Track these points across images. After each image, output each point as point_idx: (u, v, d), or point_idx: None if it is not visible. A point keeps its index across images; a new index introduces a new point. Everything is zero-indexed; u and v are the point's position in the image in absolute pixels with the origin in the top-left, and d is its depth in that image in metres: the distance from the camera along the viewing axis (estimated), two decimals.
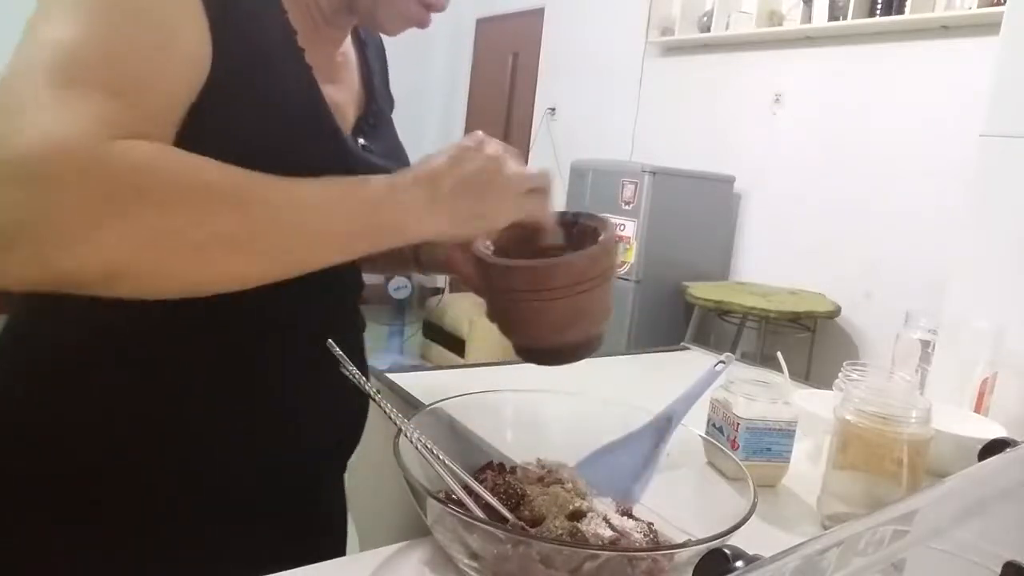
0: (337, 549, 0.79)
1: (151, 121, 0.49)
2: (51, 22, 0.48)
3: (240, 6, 0.56)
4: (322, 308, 0.69)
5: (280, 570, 0.53)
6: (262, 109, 0.57)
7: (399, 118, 0.87)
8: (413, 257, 0.80)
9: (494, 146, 0.58)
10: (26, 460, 0.60)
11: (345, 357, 0.58)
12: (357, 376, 0.58)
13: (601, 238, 0.65)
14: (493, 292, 0.66)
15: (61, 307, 0.52)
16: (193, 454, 0.62)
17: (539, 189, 0.61)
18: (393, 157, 0.75)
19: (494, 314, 0.67)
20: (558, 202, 3.79)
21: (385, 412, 0.57)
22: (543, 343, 0.66)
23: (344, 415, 0.74)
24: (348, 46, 0.76)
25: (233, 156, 0.49)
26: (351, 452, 0.78)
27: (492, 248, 0.67)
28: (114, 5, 0.49)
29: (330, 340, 0.58)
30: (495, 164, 0.57)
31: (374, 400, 0.58)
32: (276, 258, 0.50)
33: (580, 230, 0.69)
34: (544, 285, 0.61)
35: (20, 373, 0.62)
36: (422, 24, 0.68)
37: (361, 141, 0.71)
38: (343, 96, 0.72)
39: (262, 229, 0.48)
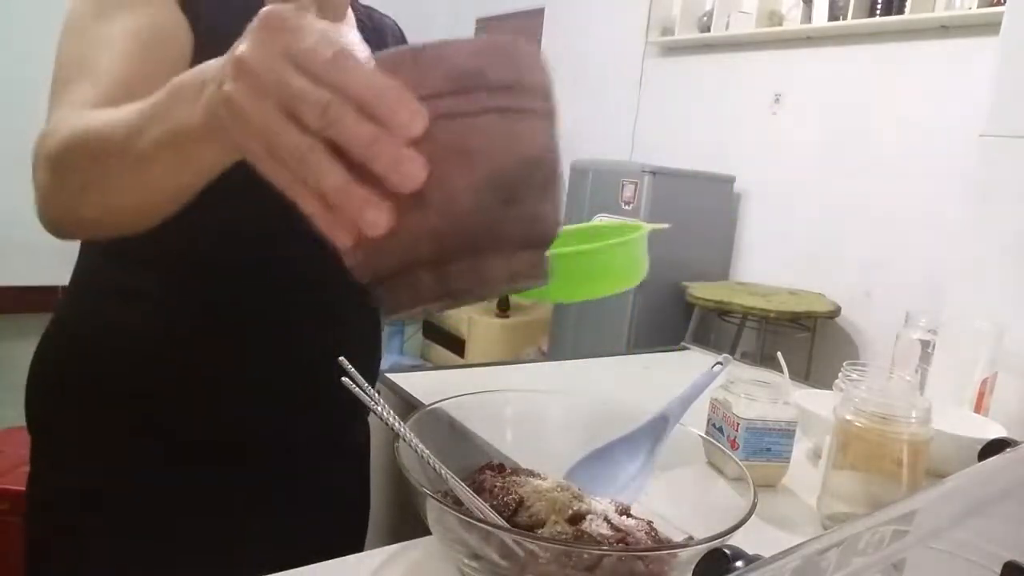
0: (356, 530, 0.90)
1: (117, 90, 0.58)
2: (62, 45, 0.64)
3: (231, 32, 0.59)
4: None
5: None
6: None
7: None
8: None
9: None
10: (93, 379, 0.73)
11: (355, 371, 0.59)
12: (361, 388, 0.58)
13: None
14: None
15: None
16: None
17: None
18: None
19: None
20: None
21: (387, 423, 0.57)
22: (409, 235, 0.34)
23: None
24: (354, 38, 0.79)
25: None
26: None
27: None
28: (113, 31, 0.62)
29: (341, 357, 0.59)
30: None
31: (375, 412, 0.58)
32: (137, 189, 0.49)
33: None
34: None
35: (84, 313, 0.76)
36: None
37: None
38: None
39: (111, 171, 0.49)
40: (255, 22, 0.35)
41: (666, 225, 0.71)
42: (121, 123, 0.47)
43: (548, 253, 0.40)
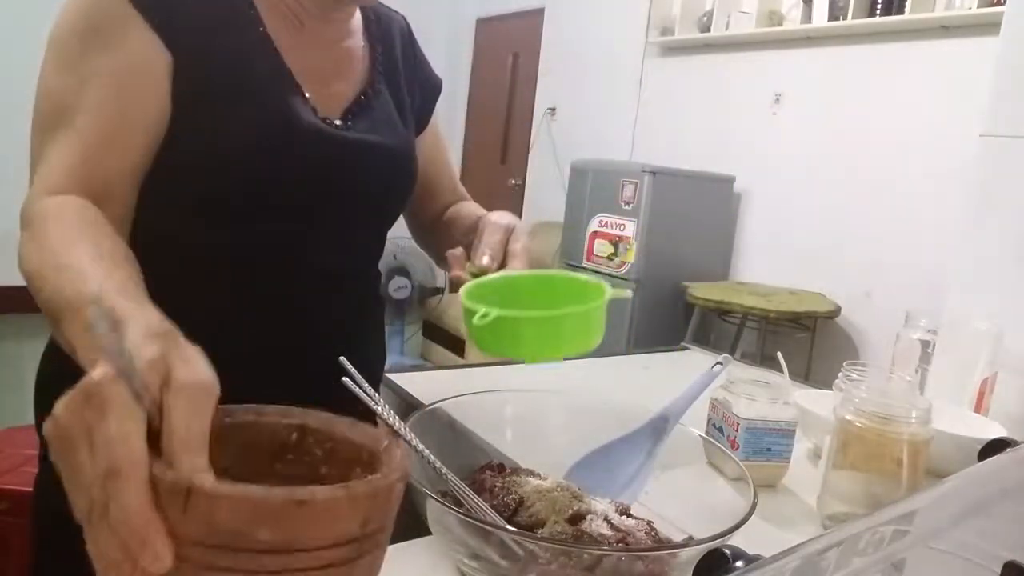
0: None
1: (107, 175, 0.66)
2: (45, 71, 0.67)
3: (211, 44, 0.70)
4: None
5: None
6: (238, 119, 0.71)
7: None
8: None
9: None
10: None
11: (355, 372, 0.59)
12: (362, 389, 0.58)
13: (387, 472, 0.37)
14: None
15: None
16: None
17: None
18: (377, 130, 0.83)
19: None
20: (557, 204, 3.80)
21: (387, 423, 0.57)
22: None
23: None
24: (356, 40, 0.85)
25: (215, 159, 0.69)
26: None
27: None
28: (89, 71, 0.66)
29: (342, 357, 0.59)
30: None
31: (375, 412, 0.57)
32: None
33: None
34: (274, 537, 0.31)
35: None
36: None
37: (337, 121, 0.80)
38: (341, 85, 0.82)
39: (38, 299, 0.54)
40: (82, 381, 0.32)
41: (628, 294, 0.68)
42: (48, 283, 0.52)
43: (507, 315, 0.52)
